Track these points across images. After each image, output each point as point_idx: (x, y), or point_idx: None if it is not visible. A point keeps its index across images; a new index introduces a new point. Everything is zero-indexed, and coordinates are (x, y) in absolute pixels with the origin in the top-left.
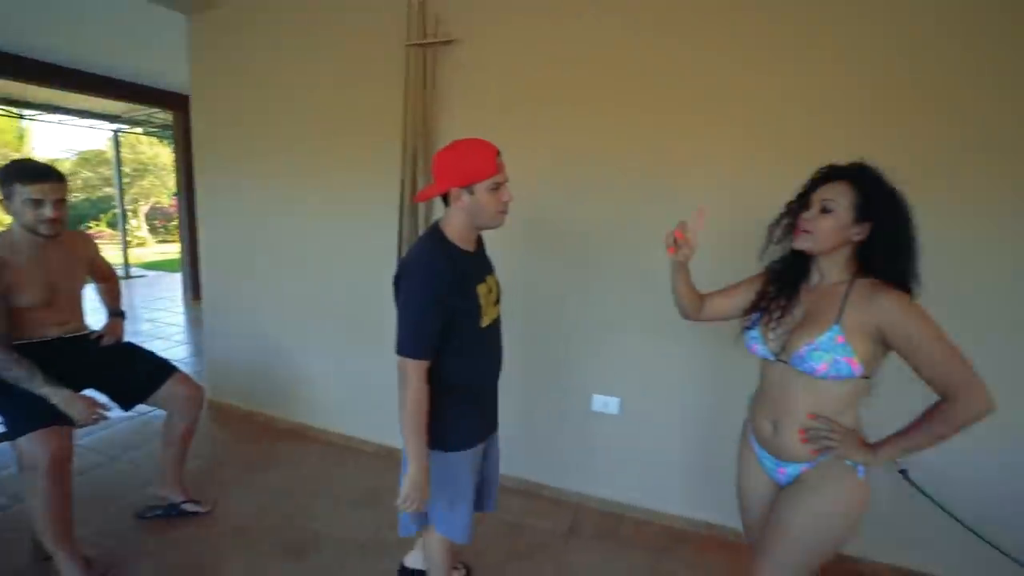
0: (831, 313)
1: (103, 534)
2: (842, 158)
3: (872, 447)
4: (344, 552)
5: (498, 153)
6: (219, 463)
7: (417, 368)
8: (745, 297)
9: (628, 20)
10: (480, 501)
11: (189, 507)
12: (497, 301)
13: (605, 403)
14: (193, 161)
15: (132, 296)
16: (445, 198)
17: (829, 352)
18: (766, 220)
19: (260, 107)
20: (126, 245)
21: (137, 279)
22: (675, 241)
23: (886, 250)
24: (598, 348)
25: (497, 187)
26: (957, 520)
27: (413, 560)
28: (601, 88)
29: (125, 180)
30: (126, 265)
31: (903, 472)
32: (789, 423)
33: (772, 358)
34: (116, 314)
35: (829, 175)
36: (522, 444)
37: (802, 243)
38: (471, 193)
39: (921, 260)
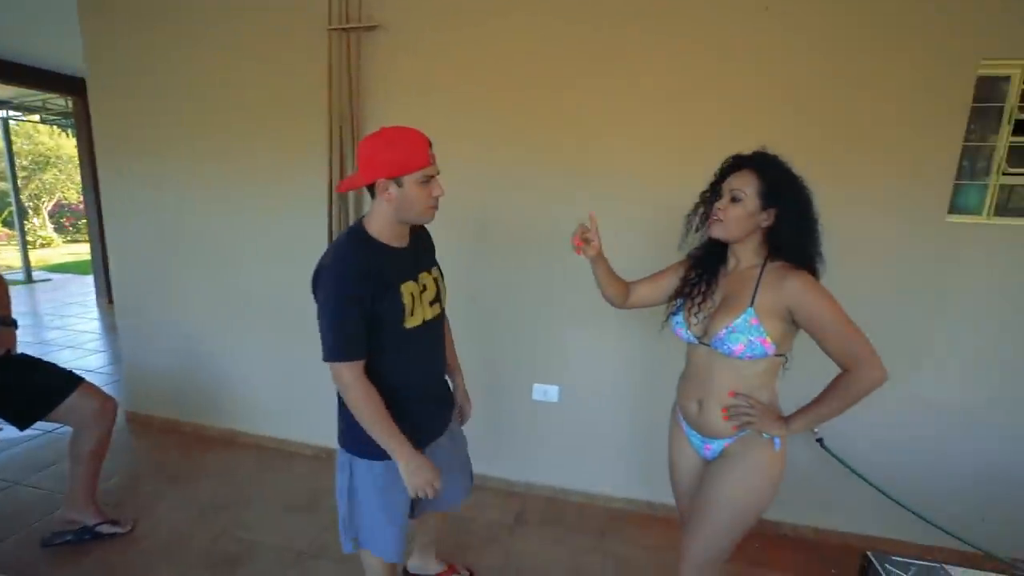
0: (746, 296)
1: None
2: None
3: (786, 420)
4: (281, 561)
5: (430, 143)
6: (141, 478)
7: (352, 369)
8: (669, 283)
9: (557, 5)
10: (420, 504)
11: (105, 529)
12: (436, 300)
13: (545, 391)
14: (95, 150)
15: (37, 302)
16: (372, 189)
17: (744, 334)
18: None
19: (171, 90)
20: (25, 245)
21: (41, 283)
22: (575, 246)
23: (791, 234)
24: (536, 337)
25: (428, 180)
26: (869, 483)
27: (413, 566)
28: (527, 77)
29: (23, 174)
30: (27, 268)
31: (820, 441)
32: (713, 402)
33: (695, 341)
34: (4, 323)
35: (736, 164)
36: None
37: (715, 231)
38: (399, 185)
39: (823, 241)
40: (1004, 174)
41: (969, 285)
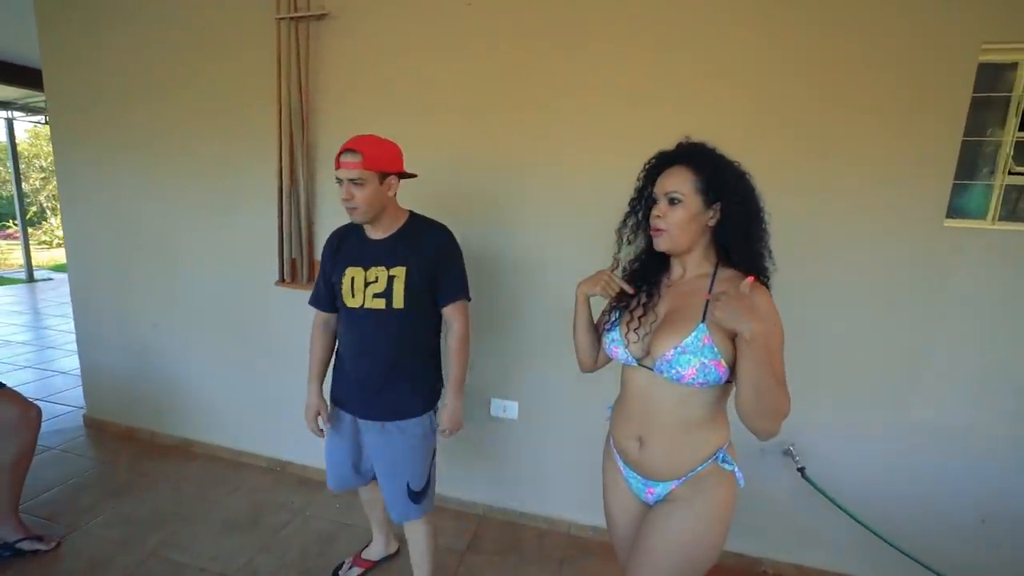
0: (696, 311)
1: None
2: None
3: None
4: None
5: (346, 151)
6: (84, 489)
7: (316, 316)
8: None
9: None
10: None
11: (27, 546)
12: (383, 295)
13: (504, 407)
14: (52, 144)
15: (35, 301)
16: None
17: (697, 355)
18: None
19: (121, 83)
20: (27, 245)
21: (42, 282)
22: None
23: (739, 230)
24: (494, 351)
25: (339, 182)
26: (854, 519)
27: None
28: (488, 65)
29: (42, 175)
30: (28, 267)
31: (801, 470)
32: (657, 438)
33: (635, 363)
34: None
35: (662, 162)
36: None
37: (662, 245)
38: None
39: (773, 236)
40: (1011, 173)
41: (970, 297)
